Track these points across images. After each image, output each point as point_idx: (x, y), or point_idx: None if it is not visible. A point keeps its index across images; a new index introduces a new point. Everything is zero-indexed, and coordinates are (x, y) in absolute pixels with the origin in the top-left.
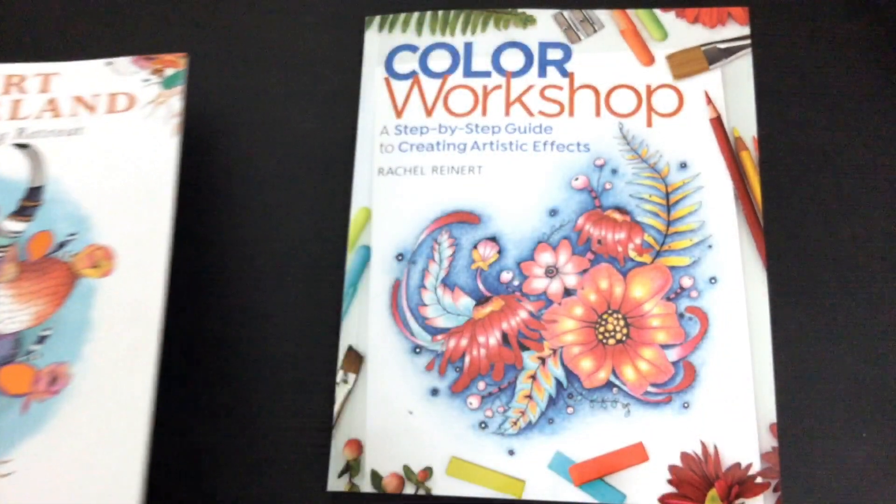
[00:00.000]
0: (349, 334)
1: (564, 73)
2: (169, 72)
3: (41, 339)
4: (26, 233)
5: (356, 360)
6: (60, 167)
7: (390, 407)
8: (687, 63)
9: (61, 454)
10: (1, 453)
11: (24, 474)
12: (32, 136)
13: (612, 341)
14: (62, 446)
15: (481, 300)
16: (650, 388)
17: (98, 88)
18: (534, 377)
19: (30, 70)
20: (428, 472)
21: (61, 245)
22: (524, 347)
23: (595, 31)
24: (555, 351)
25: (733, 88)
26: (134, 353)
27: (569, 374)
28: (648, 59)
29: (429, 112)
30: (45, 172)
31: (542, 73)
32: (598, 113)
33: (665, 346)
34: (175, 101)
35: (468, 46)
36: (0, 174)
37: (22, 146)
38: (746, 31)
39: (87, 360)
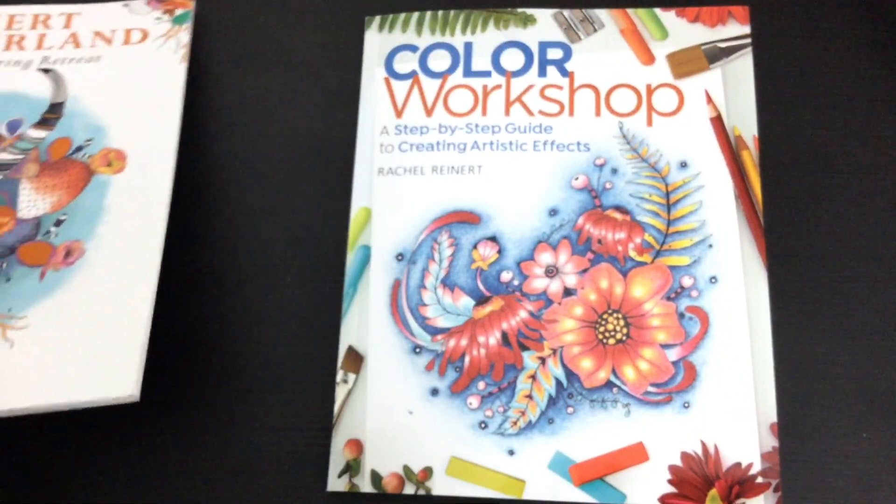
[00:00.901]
0: (349, 334)
1: (564, 73)
2: (179, 11)
3: (58, 223)
4: (48, 139)
5: (356, 360)
6: (80, 87)
7: (390, 407)
8: (687, 62)
9: (71, 314)
10: (19, 311)
11: (38, 328)
12: (55, 63)
13: (612, 341)
14: (72, 308)
15: (481, 300)
16: (650, 388)
17: (115, 25)
18: (534, 377)
19: (54, 10)
20: (428, 472)
21: (79, 149)
22: (524, 347)
23: (595, 30)
24: (555, 351)
25: (733, 88)
26: (143, 234)
27: (569, 373)
28: (648, 59)
29: (429, 112)
30: (65, 91)
31: (542, 72)
32: (598, 112)
33: (665, 346)
34: (183, 35)
35: (468, 46)
36: (27, 93)
37: (46, 70)
38: (747, 30)
39: (100, 238)
